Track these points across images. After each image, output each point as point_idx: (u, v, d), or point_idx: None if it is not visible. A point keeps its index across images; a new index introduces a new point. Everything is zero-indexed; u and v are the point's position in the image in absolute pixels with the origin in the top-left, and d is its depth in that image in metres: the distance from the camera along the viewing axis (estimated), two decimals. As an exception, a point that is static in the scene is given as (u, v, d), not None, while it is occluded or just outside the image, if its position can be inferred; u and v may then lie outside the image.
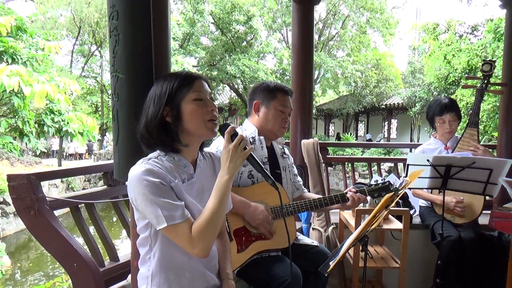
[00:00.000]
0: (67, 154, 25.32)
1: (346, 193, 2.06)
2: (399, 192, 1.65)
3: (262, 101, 2.12)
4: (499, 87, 3.07)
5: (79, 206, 2.24)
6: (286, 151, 2.34)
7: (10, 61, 7.06)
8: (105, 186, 2.38)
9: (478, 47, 11.32)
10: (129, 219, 1.87)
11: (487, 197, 2.84)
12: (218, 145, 1.98)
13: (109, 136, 27.49)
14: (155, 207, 1.25)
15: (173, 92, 1.35)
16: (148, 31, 1.62)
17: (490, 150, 3.04)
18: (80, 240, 2.23)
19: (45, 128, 7.47)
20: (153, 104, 1.36)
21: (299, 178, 2.37)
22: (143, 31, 1.61)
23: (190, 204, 1.35)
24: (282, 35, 22.62)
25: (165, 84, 1.37)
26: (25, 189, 1.86)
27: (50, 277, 7.88)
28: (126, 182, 1.34)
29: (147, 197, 1.25)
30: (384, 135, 24.14)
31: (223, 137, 1.32)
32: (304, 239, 2.23)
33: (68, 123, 7.49)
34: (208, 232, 1.29)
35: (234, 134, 1.31)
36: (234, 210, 1.89)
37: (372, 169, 4.25)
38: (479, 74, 2.93)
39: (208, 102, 1.39)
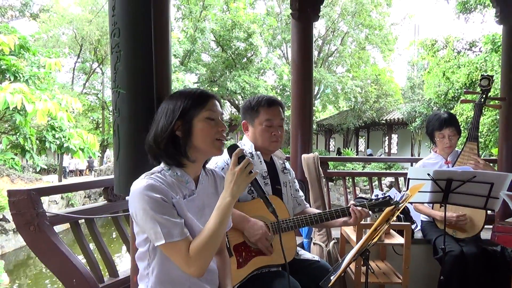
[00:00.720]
0: (68, 171, 25.32)
1: (348, 207, 2.04)
2: (400, 205, 1.65)
3: (248, 120, 2.12)
4: (498, 102, 3.09)
5: (79, 222, 2.24)
6: (287, 166, 2.33)
7: (12, 78, 7.14)
8: (105, 202, 2.38)
9: (478, 60, 11.41)
10: (129, 235, 1.87)
11: (489, 212, 2.83)
12: (217, 161, 1.98)
13: (110, 153, 27.49)
14: (154, 223, 1.25)
15: (187, 108, 1.37)
16: (149, 47, 1.64)
17: (491, 164, 3.03)
18: (80, 257, 2.21)
19: (47, 144, 7.50)
20: (165, 116, 1.38)
21: (301, 193, 2.35)
22: (144, 48, 1.63)
23: (191, 222, 1.35)
24: (282, 51, 22.87)
25: (180, 100, 1.39)
26: (25, 205, 1.86)
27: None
28: (127, 197, 1.34)
29: (147, 213, 1.26)
30: (384, 150, 24.13)
31: (230, 157, 1.34)
32: (305, 254, 2.21)
33: (69, 139, 7.52)
34: (206, 252, 1.29)
35: (241, 157, 1.32)
36: (233, 225, 1.89)
37: (373, 184, 4.24)
38: (478, 89, 2.96)
39: (219, 122, 1.42)
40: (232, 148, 1.36)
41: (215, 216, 1.30)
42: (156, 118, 1.42)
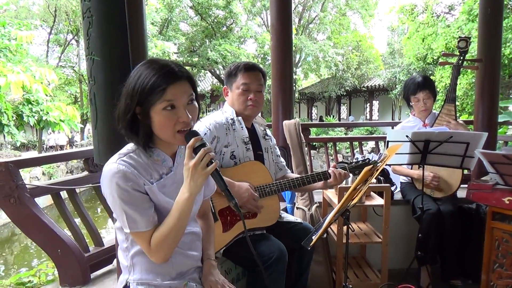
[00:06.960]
0: (48, 147, 24.82)
1: (328, 171, 2.08)
2: (378, 165, 1.68)
3: (228, 85, 2.14)
4: (475, 63, 3.12)
5: (63, 197, 2.22)
6: (268, 132, 2.35)
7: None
8: (87, 173, 2.36)
9: (455, 29, 11.54)
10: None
11: (465, 171, 2.91)
12: (215, 119, 2.04)
13: (90, 127, 26.95)
14: (121, 211, 1.21)
15: (144, 95, 1.19)
16: (122, 12, 1.59)
17: (468, 126, 3.09)
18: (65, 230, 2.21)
19: (24, 119, 7.31)
20: (125, 100, 1.22)
21: (282, 159, 2.39)
22: (117, 12, 1.58)
23: (165, 204, 1.29)
24: (262, 19, 22.47)
25: (141, 78, 1.20)
26: (4, 177, 1.84)
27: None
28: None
29: (115, 200, 1.21)
30: (366, 116, 24.40)
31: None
32: (288, 217, 2.26)
33: (47, 112, 7.35)
34: (166, 245, 1.26)
35: (197, 147, 1.18)
36: (219, 191, 1.91)
37: (355, 150, 4.31)
38: (456, 51, 2.98)
39: (180, 112, 1.22)
40: (190, 136, 1.21)
41: (174, 210, 1.25)
42: (123, 90, 1.24)
